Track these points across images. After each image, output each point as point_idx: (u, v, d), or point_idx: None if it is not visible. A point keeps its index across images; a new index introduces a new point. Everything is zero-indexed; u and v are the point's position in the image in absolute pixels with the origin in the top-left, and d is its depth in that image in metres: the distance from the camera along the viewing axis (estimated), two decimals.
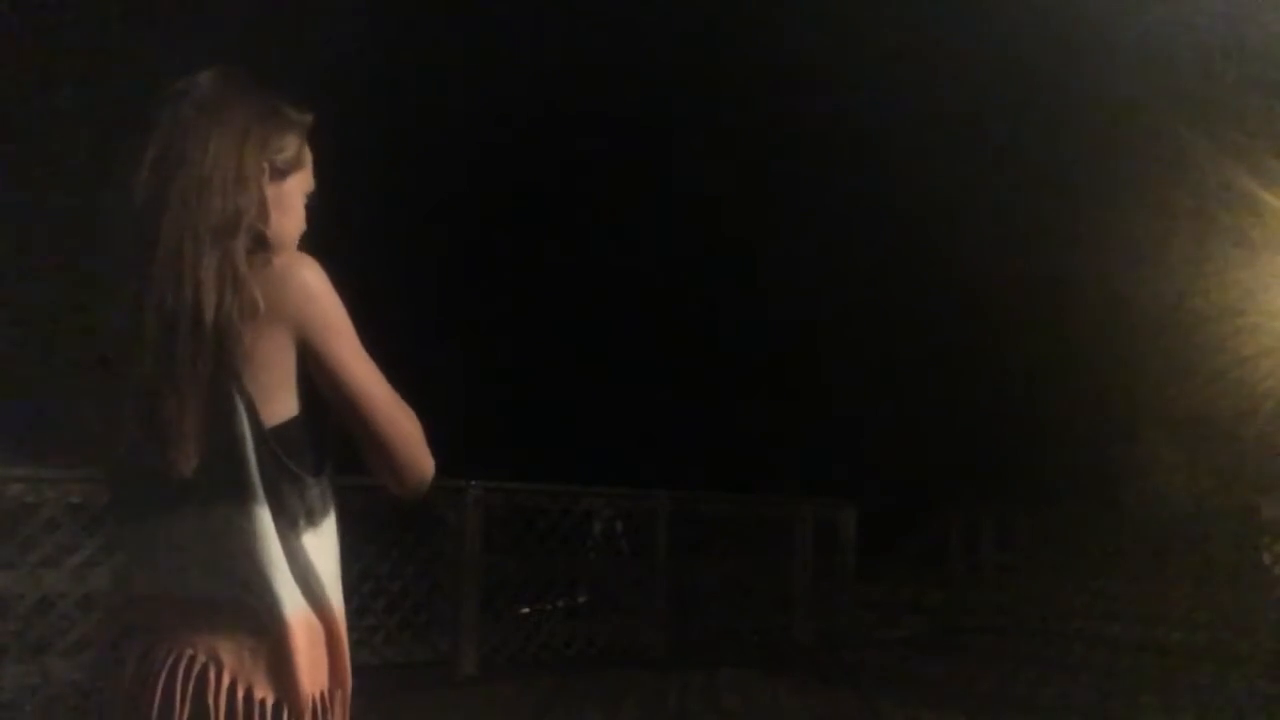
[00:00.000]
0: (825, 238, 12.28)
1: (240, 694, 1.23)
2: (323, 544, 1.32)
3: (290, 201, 1.38)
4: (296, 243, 1.39)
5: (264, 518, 1.25)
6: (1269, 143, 8.82)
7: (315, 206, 1.44)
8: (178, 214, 1.24)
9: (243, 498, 1.24)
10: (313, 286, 1.27)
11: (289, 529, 1.27)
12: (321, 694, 1.29)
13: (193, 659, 1.23)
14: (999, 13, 9.44)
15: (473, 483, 6.24)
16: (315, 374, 1.28)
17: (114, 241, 1.27)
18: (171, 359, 1.21)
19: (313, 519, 1.30)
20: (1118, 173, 10.27)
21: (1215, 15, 8.52)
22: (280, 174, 1.35)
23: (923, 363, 12.32)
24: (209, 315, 1.21)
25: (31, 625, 4.56)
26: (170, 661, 1.23)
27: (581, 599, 7.27)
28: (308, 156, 1.41)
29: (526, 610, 6.88)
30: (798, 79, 11.64)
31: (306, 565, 1.29)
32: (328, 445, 1.33)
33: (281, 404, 1.26)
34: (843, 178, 11.83)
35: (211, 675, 1.23)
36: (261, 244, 1.30)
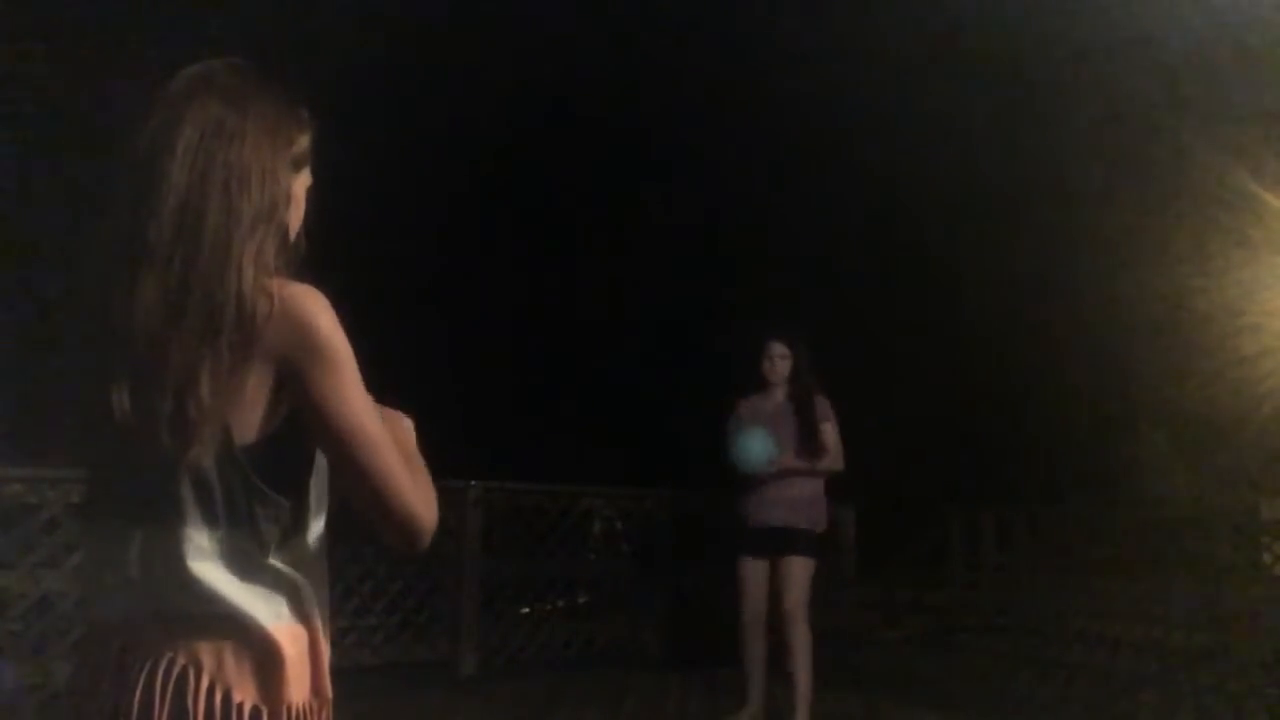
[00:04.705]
0: (824, 237, 12.29)
1: (219, 698, 1.22)
2: (307, 560, 1.31)
3: (299, 195, 1.40)
4: (295, 234, 1.41)
5: (224, 536, 1.24)
6: (1269, 143, 8.82)
7: (316, 205, 1.46)
8: (221, 203, 1.25)
9: (202, 513, 1.24)
10: (314, 320, 1.25)
11: (258, 549, 1.25)
12: (302, 705, 1.28)
13: (172, 661, 1.23)
14: (998, 13, 9.44)
15: (473, 483, 6.24)
16: (307, 413, 1.25)
17: (143, 225, 1.24)
18: (215, 345, 1.21)
19: (291, 538, 1.29)
20: (1118, 173, 10.27)
21: (1215, 15, 8.51)
22: (295, 168, 1.37)
23: (922, 363, 12.32)
24: (249, 304, 1.22)
25: (31, 625, 4.56)
26: (149, 665, 1.23)
27: (581, 599, 7.27)
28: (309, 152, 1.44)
29: (526, 610, 6.88)
30: (794, 81, 11.64)
31: (289, 580, 1.28)
32: (308, 465, 1.32)
33: (254, 419, 1.24)
34: (840, 178, 11.83)
35: (191, 678, 1.22)
36: (284, 236, 1.32)
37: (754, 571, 4.94)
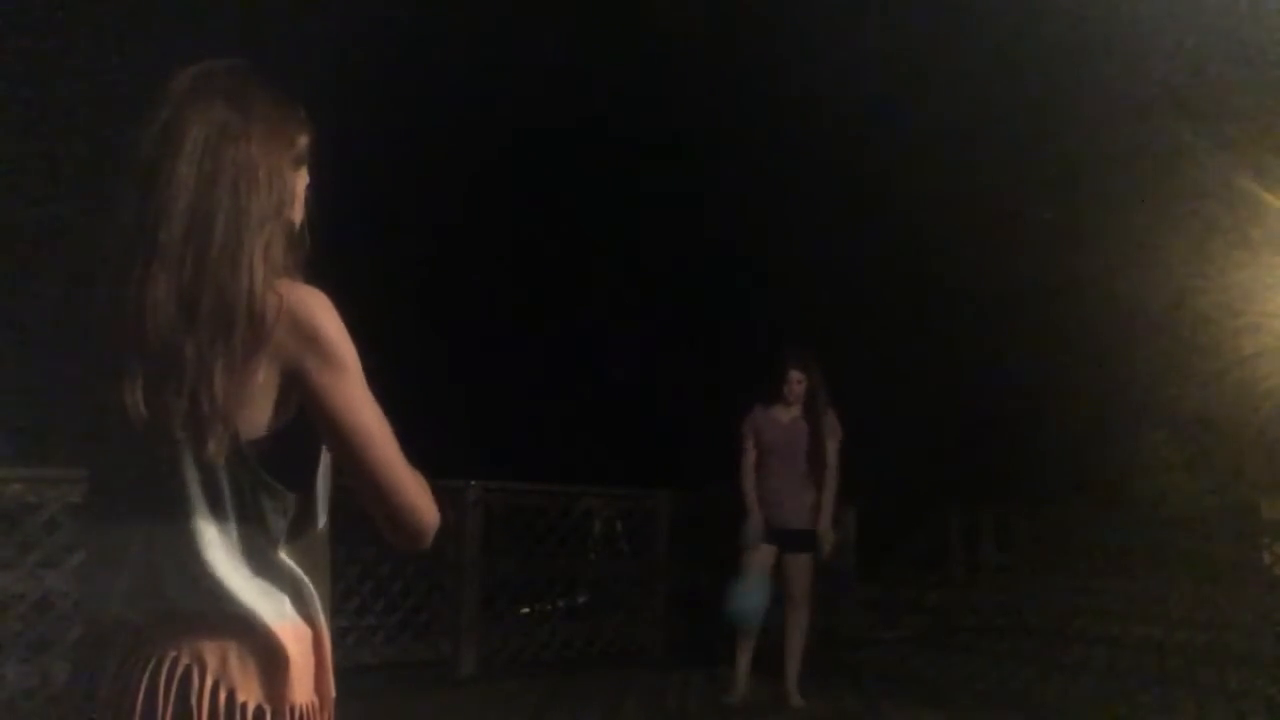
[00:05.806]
0: (825, 239, 12.29)
1: (223, 697, 1.22)
2: (311, 556, 1.32)
3: (299, 195, 1.41)
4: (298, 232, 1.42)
5: (233, 531, 1.24)
6: (1269, 143, 8.82)
7: (317, 204, 1.46)
8: (230, 202, 1.26)
9: (211, 508, 1.24)
10: (319, 322, 1.27)
11: (267, 543, 1.26)
12: (306, 705, 1.28)
13: (175, 660, 1.23)
14: (997, 12, 9.44)
15: (473, 483, 6.24)
16: (314, 412, 1.27)
17: (153, 225, 1.25)
18: (228, 343, 1.22)
19: (298, 532, 1.30)
20: (1118, 173, 10.27)
21: (1215, 14, 8.52)
22: (296, 167, 1.39)
23: (922, 363, 12.32)
24: (259, 301, 1.23)
25: (31, 625, 4.55)
26: (153, 664, 1.23)
27: (581, 599, 7.27)
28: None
29: (526, 610, 6.88)
30: (794, 81, 11.64)
31: (294, 577, 1.29)
32: (315, 460, 1.33)
33: (261, 417, 1.25)
34: (842, 179, 11.83)
35: (195, 677, 1.22)
36: (290, 234, 1.34)
37: (761, 559, 5.53)
